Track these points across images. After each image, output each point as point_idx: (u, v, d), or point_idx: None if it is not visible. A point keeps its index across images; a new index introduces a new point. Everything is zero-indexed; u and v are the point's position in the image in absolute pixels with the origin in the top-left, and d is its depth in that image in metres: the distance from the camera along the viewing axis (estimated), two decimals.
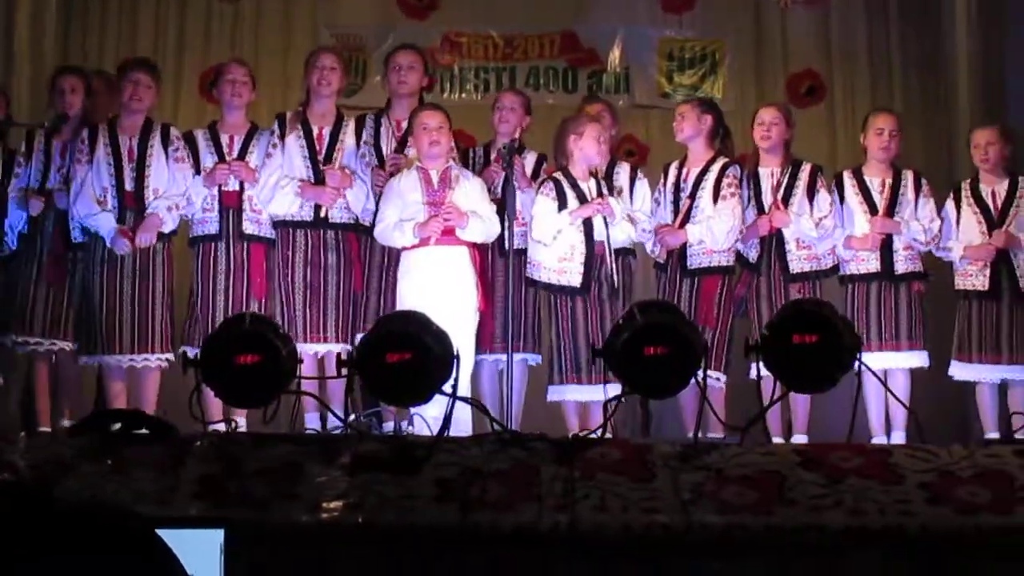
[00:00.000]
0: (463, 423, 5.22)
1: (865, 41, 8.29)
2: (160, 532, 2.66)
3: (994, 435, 6.11)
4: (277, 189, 6.18)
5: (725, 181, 6.24)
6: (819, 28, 8.34)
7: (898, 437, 6.08)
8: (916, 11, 8.24)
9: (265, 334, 4.31)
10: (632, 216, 6.20)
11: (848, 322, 4.54)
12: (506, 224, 6.01)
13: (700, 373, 4.33)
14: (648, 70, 8.35)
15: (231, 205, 6.22)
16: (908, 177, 6.45)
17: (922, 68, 8.20)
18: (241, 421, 5.63)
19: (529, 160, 6.48)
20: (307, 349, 5.99)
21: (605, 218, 6.02)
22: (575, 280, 6.07)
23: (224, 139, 6.30)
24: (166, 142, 6.21)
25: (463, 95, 8.19)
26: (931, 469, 3.92)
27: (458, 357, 4.34)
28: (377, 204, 6.16)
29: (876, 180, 6.42)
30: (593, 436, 4.35)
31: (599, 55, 8.31)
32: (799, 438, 6.06)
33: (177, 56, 8.08)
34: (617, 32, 8.34)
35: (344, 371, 4.42)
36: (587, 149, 6.16)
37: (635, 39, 8.35)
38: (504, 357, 6.00)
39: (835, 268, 6.39)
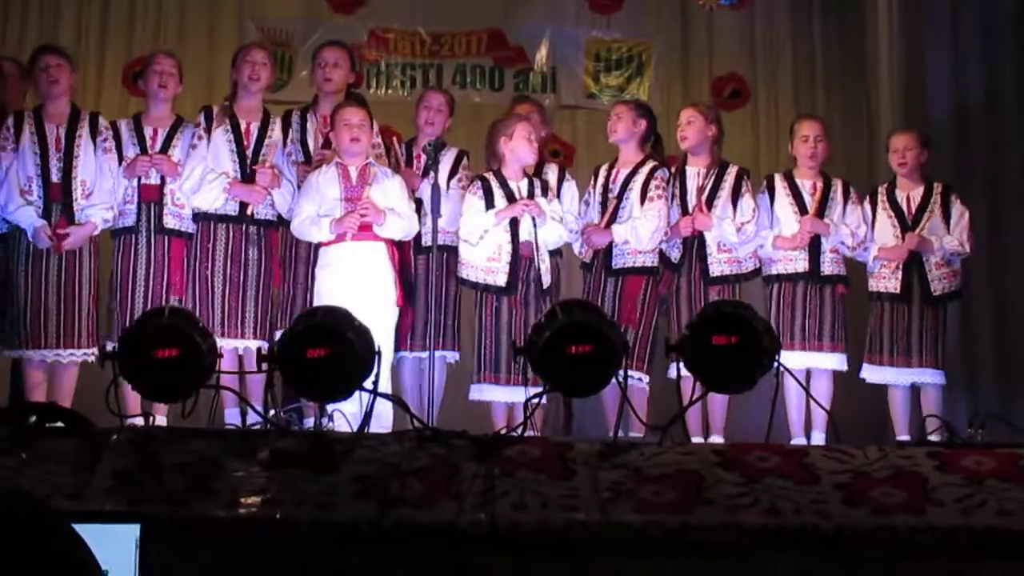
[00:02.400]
0: (384, 419, 5.21)
1: (789, 45, 8.38)
2: (75, 527, 2.62)
3: (905, 438, 6.20)
4: (204, 182, 6.12)
5: (653, 183, 6.27)
6: (744, 32, 8.41)
7: (818, 438, 6.15)
8: (839, 17, 8.34)
9: (184, 328, 4.27)
10: (561, 217, 6.20)
11: (767, 324, 4.57)
12: (427, 221, 6.01)
13: (621, 373, 4.35)
14: (575, 70, 8.37)
15: (151, 199, 6.14)
16: (837, 183, 6.53)
17: (845, 73, 8.30)
18: (161, 418, 5.56)
19: (449, 156, 6.46)
20: (225, 345, 5.95)
21: (534, 219, 6.04)
22: (500, 280, 6.07)
23: (148, 131, 6.21)
24: (94, 132, 6.10)
25: (389, 91, 8.16)
26: (847, 470, 3.97)
27: (379, 353, 4.32)
28: None
29: (807, 183, 6.49)
30: (514, 434, 4.35)
31: (526, 54, 8.32)
32: (716, 439, 6.10)
33: (100, 45, 7.97)
34: (544, 32, 8.36)
35: (264, 366, 4.39)
36: (518, 149, 6.16)
37: (562, 39, 8.37)
38: (423, 354, 6.03)
39: (756, 272, 6.45)
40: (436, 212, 5.87)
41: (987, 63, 7.90)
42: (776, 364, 4.46)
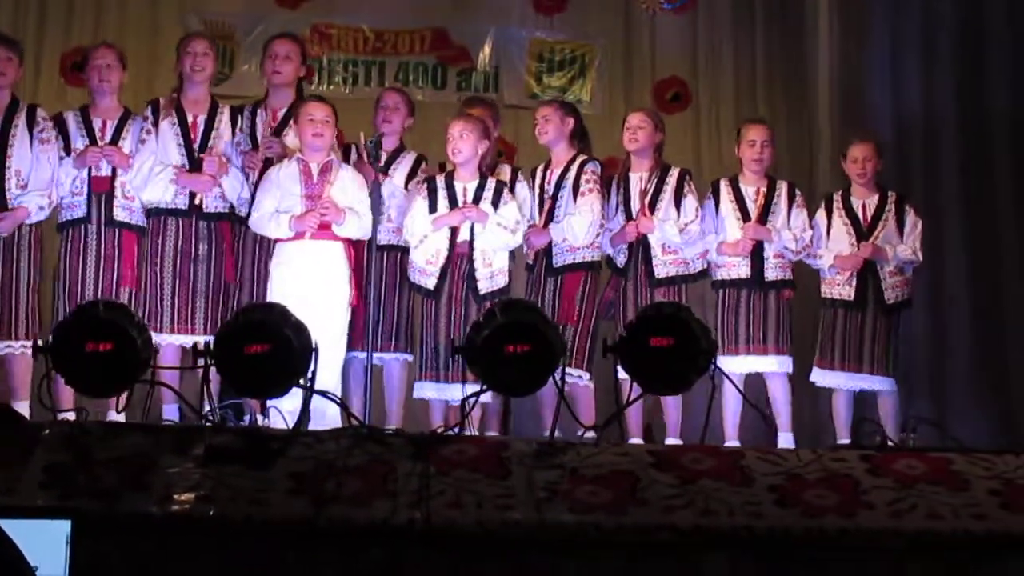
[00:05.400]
0: (330, 418, 5.19)
1: (731, 50, 8.42)
2: (3, 523, 2.60)
3: (845, 441, 6.26)
4: (151, 176, 6.07)
5: (584, 177, 6.28)
6: (686, 35, 8.44)
7: (785, 440, 6.20)
8: (781, 22, 8.40)
9: (119, 322, 4.23)
10: (505, 225, 6.14)
11: (705, 326, 4.60)
12: (382, 220, 6.02)
13: (557, 373, 4.36)
14: (518, 70, 8.37)
15: (102, 190, 6.08)
16: (782, 187, 6.56)
17: (786, 78, 8.36)
18: (112, 414, 5.49)
19: (408, 159, 6.44)
20: (175, 340, 5.93)
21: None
22: (431, 283, 6.08)
23: (96, 123, 6.15)
24: (32, 123, 6.03)
25: (331, 87, 8.11)
26: (780, 472, 4.00)
27: (316, 350, 4.30)
28: (254, 194, 6.11)
29: (751, 188, 6.52)
30: (450, 433, 4.35)
31: (469, 53, 8.31)
32: (672, 441, 6.13)
33: (38, 36, 7.86)
34: (488, 31, 8.35)
35: (200, 361, 4.36)
36: (466, 152, 6.15)
37: (506, 39, 8.37)
38: (378, 354, 6.05)
39: (703, 272, 6.47)
40: (377, 210, 5.85)
41: (924, 69, 8.00)
42: (713, 366, 4.48)
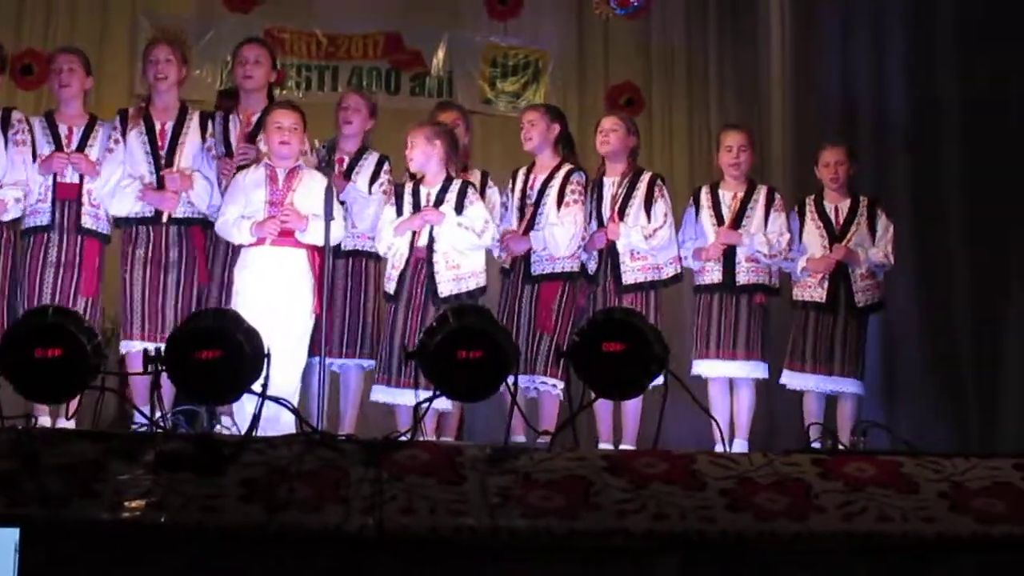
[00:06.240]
0: (284, 424, 5.16)
1: (684, 55, 8.48)
2: None
3: (816, 445, 6.28)
4: (119, 189, 6.04)
5: (569, 188, 6.28)
6: (640, 41, 8.49)
7: (739, 445, 6.22)
8: (734, 27, 8.46)
9: (68, 328, 4.19)
10: (468, 225, 6.13)
11: (657, 331, 4.61)
12: (347, 225, 6.02)
13: (511, 378, 4.36)
14: (471, 75, 8.39)
15: (68, 197, 6.02)
16: (761, 192, 6.59)
17: (738, 83, 8.42)
18: (63, 421, 5.44)
19: (370, 161, 6.41)
20: (144, 346, 5.86)
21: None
22: (391, 287, 6.09)
23: (62, 129, 6.09)
24: (6, 124, 5.99)
25: (284, 92, 8.08)
26: (732, 476, 4.02)
27: (268, 355, 4.29)
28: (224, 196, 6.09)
29: (728, 194, 6.56)
30: (403, 438, 4.34)
31: (423, 58, 8.32)
32: (627, 447, 6.14)
33: None
34: (442, 36, 8.37)
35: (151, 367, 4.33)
36: (417, 160, 6.14)
37: (460, 44, 8.39)
38: (339, 360, 6.11)
39: (677, 277, 6.47)
40: (329, 215, 5.81)
41: (876, 73, 8.07)
42: (665, 371, 4.50)
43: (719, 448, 6.13)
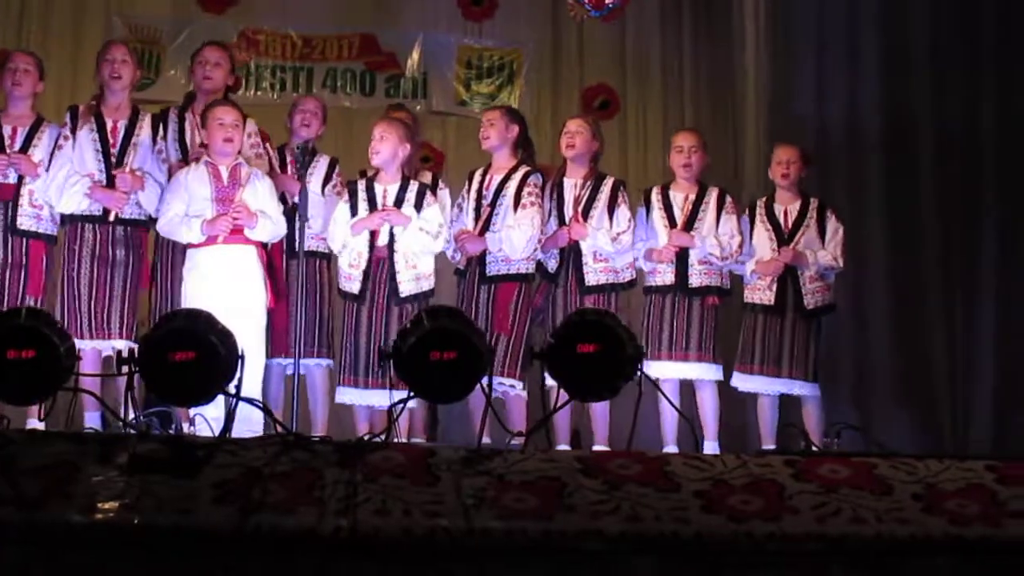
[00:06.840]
0: (255, 424, 5.16)
1: (659, 57, 8.50)
2: None
3: (771, 447, 6.31)
4: (67, 186, 6.01)
5: (526, 190, 6.29)
6: (615, 43, 8.51)
7: (710, 447, 6.23)
8: (709, 30, 8.49)
9: (40, 329, 4.17)
10: (427, 229, 6.14)
11: (631, 332, 4.61)
12: (297, 226, 5.97)
13: (485, 379, 4.35)
14: (446, 77, 8.39)
15: (6, 198, 6.01)
16: (712, 194, 6.62)
17: (713, 85, 8.45)
18: (33, 422, 5.42)
19: (322, 164, 6.43)
20: (92, 346, 5.86)
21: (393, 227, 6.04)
22: (355, 287, 6.10)
23: (7, 130, 6.09)
24: None
25: (259, 93, 8.10)
26: (706, 478, 4.02)
27: (243, 357, 4.27)
28: None
29: (680, 196, 6.59)
30: (377, 440, 4.33)
31: (398, 60, 8.33)
32: (600, 448, 6.15)
33: None
34: (417, 37, 8.37)
35: (125, 369, 4.31)
36: (384, 153, 6.15)
37: (434, 45, 8.39)
38: (302, 361, 6.04)
39: (632, 282, 6.51)
40: (304, 217, 5.84)
41: (850, 76, 8.11)
42: (639, 372, 4.50)
43: (670, 449, 6.17)
